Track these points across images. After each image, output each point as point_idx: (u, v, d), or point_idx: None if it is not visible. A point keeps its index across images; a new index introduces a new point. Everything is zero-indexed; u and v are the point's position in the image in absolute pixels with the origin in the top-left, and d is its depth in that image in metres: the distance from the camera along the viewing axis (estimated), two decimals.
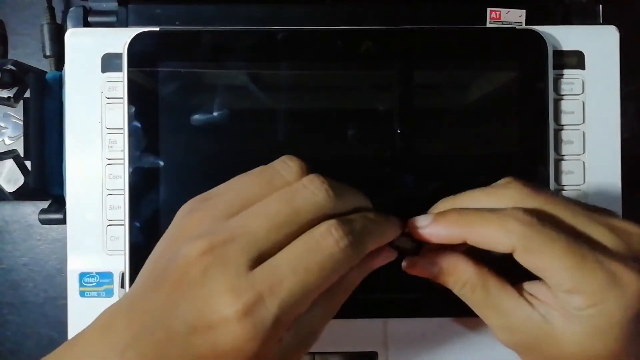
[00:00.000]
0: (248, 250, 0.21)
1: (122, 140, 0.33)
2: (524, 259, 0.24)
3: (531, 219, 0.23)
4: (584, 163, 0.35)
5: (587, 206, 0.26)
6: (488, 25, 0.36)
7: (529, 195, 0.25)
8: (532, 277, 0.25)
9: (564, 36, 0.35)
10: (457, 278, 0.26)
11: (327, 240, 0.22)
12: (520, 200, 0.25)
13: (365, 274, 0.26)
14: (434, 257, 0.26)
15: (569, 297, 0.23)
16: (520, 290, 0.25)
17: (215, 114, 0.33)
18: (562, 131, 0.35)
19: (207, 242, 0.21)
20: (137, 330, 0.21)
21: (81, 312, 0.34)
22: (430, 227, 0.26)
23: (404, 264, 0.27)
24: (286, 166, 0.24)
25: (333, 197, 0.23)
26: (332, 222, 0.22)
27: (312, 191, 0.23)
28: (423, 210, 0.33)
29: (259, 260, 0.21)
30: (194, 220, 0.23)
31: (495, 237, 0.24)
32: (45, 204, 0.37)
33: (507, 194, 0.25)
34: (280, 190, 0.23)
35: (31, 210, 0.42)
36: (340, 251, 0.22)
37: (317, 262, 0.21)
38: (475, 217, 0.25)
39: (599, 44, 0.35)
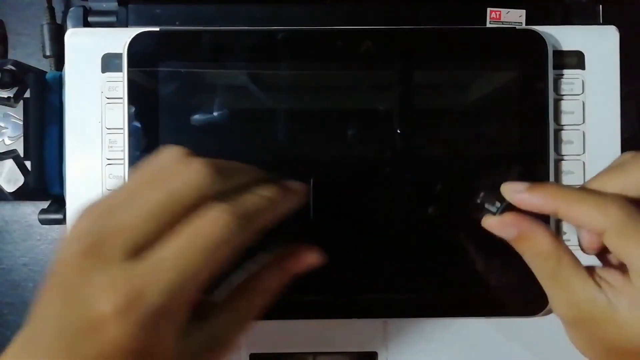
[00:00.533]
0: (124, 245, 0.20)
1: (122, 140, 0.33)
2: (613, 241, 0.24)
3: (630, 206, 0.24)
4: (584, 163, 0.35)
5: None
6: (488, 25, 0.36)
7: None
8: None
9: (564, 36, 0.35)
10: (532, 245, 0.26)
11: (207, 222, 0.21)
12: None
13: (286, 279, 0.26)
14: (515, 219, 0.27)
15: None
16: (591, 272, 0.26)
17: (215, 114, 0.33)
18: (562, 131, 0.35)
19: (82, 242, 0.21)
20: (30, 339, 0.21)
21: None
22: (527, 193, 0.26)
23: (484, 222, 0.28)
24: (166, 155, 0.23)
25: (215, 178, 0.22)
26: (212, 203, 0.22)
27: (190, 174, 0.22)
28: (423, 209, 0.33)
29: (138, 253, 0.20)
30: (77, 225, 0.22)
31: (591, 215, 0.25)
32: (45, 204, 0.37)
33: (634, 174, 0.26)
34: (157, 178, 0.22)
35: (31, 210, 0.42)
36: (223, 232, 0.21)
37: (198, 247, 0.21)
38: (574, 194, 0.26)
39: (599, 44, 0.35)
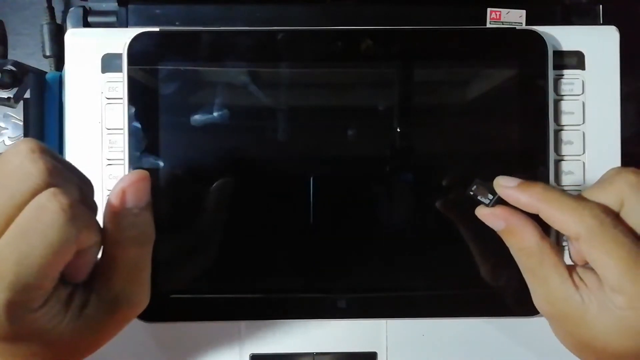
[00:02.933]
0: None
1: (122, 141, 0.33)
2: (585, 249, 0.25)
3: (605, 217, 0.25)
4: (584, 163, 0.35)
5: None
6: (488, 25, 0.36)
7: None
8: None
9: (564, 36, 0.35)
10: (518, 240, 0.28)
11: (42, 211, 0.22)
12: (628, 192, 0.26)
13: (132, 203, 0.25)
14: (505, 213, 0.28)
15: (613, 294, 0.25)
16: (571, 272, 0.27)
17: (215, 114, 0.33)
18: (562, 131, 0.35)
19: None
20: None
21: None
22: (514, 190, 0.28)
23: (477, 210, 0.29)
24: (13, 151, 0.23)
25: (48, 173, 0.22)
26: (44, 193, 0.22)
27: (25, 170, 0.22)
28: (423, 209, 0.33)
29: None
30: None
31: (567, 221, 0.26)
32: None
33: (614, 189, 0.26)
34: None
35: None
36: (52, 216, 0.22)
37: (38, 235, 0.21)
38: (556, 197, 0.26)
39: (599, 44, 0.35)
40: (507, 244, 0.29)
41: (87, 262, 0.24)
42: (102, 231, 0.25)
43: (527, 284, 0.29)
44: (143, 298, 0.26)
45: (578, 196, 0.27)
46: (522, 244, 0.28)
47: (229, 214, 0.33)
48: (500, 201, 0.28)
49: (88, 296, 0.24)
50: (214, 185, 0.33)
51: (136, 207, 0.25)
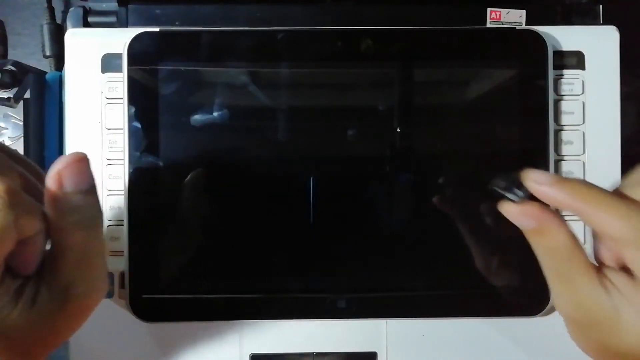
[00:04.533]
0: None
1: (122, 141, 0.33)
2: (631, 253, 0.24)
3: None
4: (584, 163, 0.35)
5: None
6: (488, 25, 0.36)
7: None
8: None
9: (564, 36, 0.35)
10: (548, 240, 0.26)
11: None
12: None
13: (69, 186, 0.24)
14: (536, 211, 0.26)
15: None
16: (601, 275, 0.25)
17: (215, 114, 0.33)
18: (562, 131, 0.35)
19: None
20: None
21: None
22: (550, 187, 0.25)
23: (503, 207, 0.26)
24: None
25: None
26: None
27: None
28: (423, 209, 0.33)
29: None
30: None
31: (611, 222, 0.24)
32: None
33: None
34: None
35: None
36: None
37: None
38: (599, 196, 0.24)
39: (599, 44, 0.35)
40: (533, 243, 0.26)
41: (33, 252, 0.24)
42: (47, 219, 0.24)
43: (551, 287, 0.26)
44: (98, 285, 0.25)
45: (620, 194, 0.25)
46: (552, 244, 0.25)
47: (229, 214, 0.33)
48: (529, 198, 0.26)
49: (39, 287, 0.23)
50: (214, 185, 0.33)
51: (78, 190, 0.24)
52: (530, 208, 0.26)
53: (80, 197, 0.24)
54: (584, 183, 0.25)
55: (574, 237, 0.25)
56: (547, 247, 0.26)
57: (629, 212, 0.24)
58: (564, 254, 0.25)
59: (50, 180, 0.23)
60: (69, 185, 0.24)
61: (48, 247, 0.25)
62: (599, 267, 0.26)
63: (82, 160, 0.24)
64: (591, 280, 0.25)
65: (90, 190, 0.24)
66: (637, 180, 0.25)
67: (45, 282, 0.24)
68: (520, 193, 0.26)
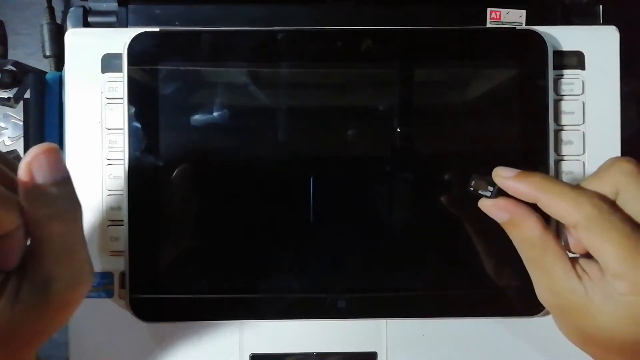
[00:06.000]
0: None
1: (122, 140, 0.33)
2: (584, 237, 0.26)
3: (603, 204, 0.25)
4: (584, 163, 0.35)
5: None
6: (488, 25, 0.36)
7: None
8: None
9: (564, 36, 0.35)
10: (521, 231, 0.28)
11: None
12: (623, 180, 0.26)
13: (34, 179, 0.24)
14: (508, 205, 0.28)
15: (615, 281, 0.25)
16: (574, 263, 0.27)
17: (215, 114, 0.33)
18: (562, 131, 0.35)
19: None
20: None
21: (81, 313, 0.34)
22: (513, 180, 0.28)
23: (480, 203, 0.29)
24: None
25: None
26: None
27: None
28: (423, 209, 0.33)
29: None
30: None
31: (565, 209, 0.26)
32: None
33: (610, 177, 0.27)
34: None
35: None
36: None
37: None
38: (555, 186, 0.27)
39: (599, 44, 0.35)
40: (510, 235, 0.29)
41: (13, 247, 0.23)
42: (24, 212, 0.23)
43: (530, 276, 0.28)
44: (81, 278, 0.24)
45: (576, 185, 0.27)
46: (525, 234, 0.28)
47: (229, 214, 0.33)
48: (501, 192, 0.28)
49: (21, 282, 0.23)
50: (214, 185, 0.33)
51: (51, 181, 0.23)
52: (503, 201, 0.28)
53: (54, 188, 0.23)
54: (543, 176, 0.28)
55: (546, 228, 0.27)
56: (521, 238, 0.28)
57: (581, 199, 0.26)
58: (538, 244, 0.27)
59: (21, 172, 0.23)
60: (40, 176, 0.23)
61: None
62: (574, 257, 0.27)
63: (50, 151, 0.23)
64: (564, 267, 0.27)
65: (63, 181, 0.24)
66: (595, 174, 0.27)
67: (27, 276, 0.23)
68: (491, 189, 0.29)
